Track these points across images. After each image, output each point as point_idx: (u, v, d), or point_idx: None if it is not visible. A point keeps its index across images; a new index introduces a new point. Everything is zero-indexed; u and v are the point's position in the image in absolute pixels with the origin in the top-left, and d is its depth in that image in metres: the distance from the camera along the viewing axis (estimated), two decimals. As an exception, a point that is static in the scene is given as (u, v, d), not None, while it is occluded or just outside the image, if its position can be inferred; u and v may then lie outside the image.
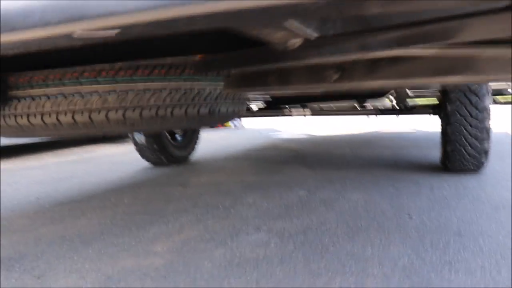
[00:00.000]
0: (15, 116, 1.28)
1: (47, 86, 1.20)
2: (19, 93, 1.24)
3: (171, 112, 1.39)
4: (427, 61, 0.82)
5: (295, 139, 6.42)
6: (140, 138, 3.79)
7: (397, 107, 3.83)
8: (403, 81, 0.83)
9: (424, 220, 1.98)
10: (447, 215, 2.06)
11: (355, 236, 1.79)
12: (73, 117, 1.24)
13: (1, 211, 2.40)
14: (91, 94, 1.22)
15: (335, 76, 0.90)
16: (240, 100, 1.77)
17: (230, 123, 9.58)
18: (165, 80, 1.32)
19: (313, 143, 5.74)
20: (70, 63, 1.20)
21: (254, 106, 4.32)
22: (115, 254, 1.66)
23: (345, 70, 0.88)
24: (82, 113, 1.25)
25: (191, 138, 4.34)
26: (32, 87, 1.22)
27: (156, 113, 1.35)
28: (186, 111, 1.42)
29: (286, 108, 3.84)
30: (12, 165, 4.41)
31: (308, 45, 0.82)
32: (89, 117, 1.25)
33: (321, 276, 1.40)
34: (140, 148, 3.87)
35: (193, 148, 4.37)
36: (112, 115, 1.26)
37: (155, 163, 4.00)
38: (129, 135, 3.87)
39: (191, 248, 1.70)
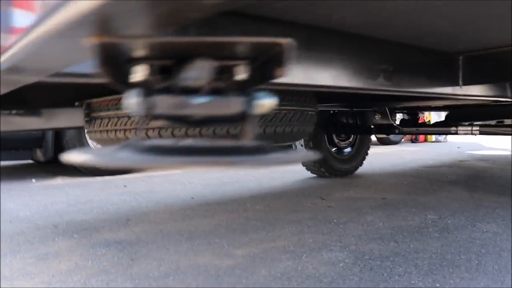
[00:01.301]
0: (98, 132, 1.62)
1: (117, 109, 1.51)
2: (100, 114, 1.58)
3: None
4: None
5: (491, 156, 5.73)
6: (301, 149, 3.99)
7: None
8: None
9: (544, 265, 1.67)
10: None
11: (436, 270, 1.64)
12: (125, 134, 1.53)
13: (160, 205, 2.91)
14: None
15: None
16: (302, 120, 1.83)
17: (433, 137, 9.03)
18: None
19: (506, 161, 5.04)
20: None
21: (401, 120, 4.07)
22: (201, 252, 1.89)
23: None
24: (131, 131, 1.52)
25: (357, 152, 4.34)
26: (107, 110, 1.55)
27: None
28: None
29: (453, 126, 3.52)
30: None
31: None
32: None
33: (353, 303, 1.36)
34: (302, 159, 4.07)
35: (359, 162, 4.36)
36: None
37: (317, 174, 4.14)
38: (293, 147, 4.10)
39: (265, 256, 1.81)
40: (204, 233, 2.18)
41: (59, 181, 4.20)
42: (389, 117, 3.88)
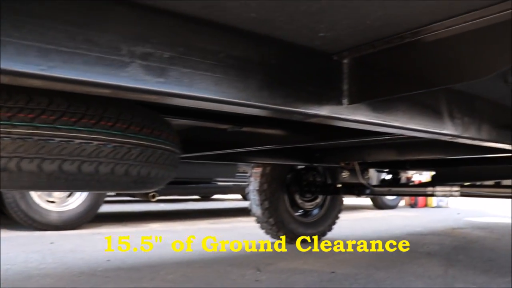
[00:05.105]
0: None
1: None
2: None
3: None
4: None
5: (491, 224, 5.07)
6: (257, 209, 3.41)
7: None
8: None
9: None
10: None
11: None
12: None
13: (55, 267, 2.34)
14: None
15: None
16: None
17: (433, 201, 8.31)
18: None
19: (507, 231, 4.37)
20: None
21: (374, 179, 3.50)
22: None
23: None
24: None
25: (326, 215, 3.72)
26: None
27: None
28: None
29: (430, 186, 2.92)
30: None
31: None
32: None
33: None
34: (258, 221, 3.48)
35: (328, 227, 3.73)
36: None
37: (276, 239, 3.53)
38: (249, 207, 3.50)
39: None
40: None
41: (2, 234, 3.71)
42: (359, 174, 3.31)
